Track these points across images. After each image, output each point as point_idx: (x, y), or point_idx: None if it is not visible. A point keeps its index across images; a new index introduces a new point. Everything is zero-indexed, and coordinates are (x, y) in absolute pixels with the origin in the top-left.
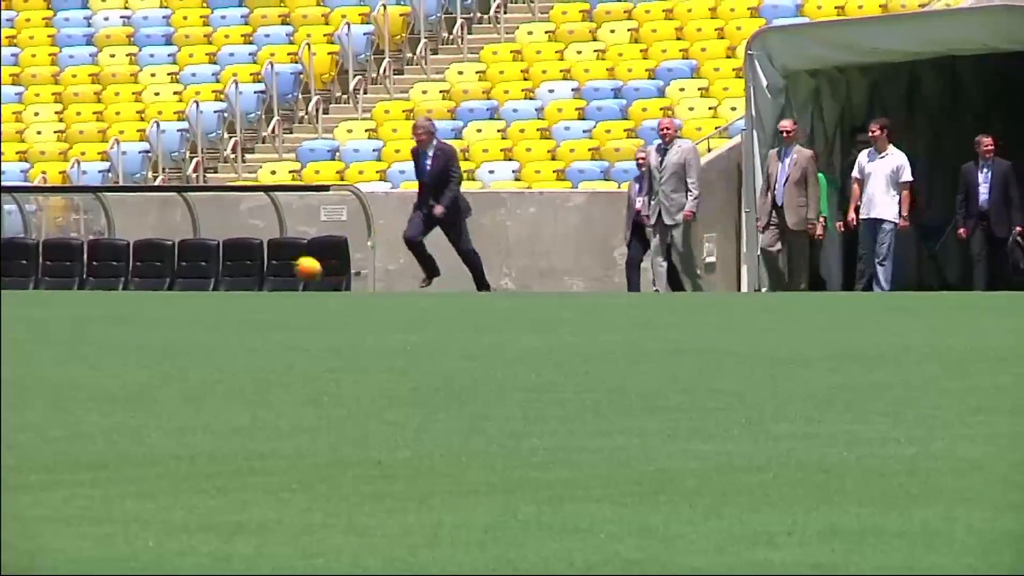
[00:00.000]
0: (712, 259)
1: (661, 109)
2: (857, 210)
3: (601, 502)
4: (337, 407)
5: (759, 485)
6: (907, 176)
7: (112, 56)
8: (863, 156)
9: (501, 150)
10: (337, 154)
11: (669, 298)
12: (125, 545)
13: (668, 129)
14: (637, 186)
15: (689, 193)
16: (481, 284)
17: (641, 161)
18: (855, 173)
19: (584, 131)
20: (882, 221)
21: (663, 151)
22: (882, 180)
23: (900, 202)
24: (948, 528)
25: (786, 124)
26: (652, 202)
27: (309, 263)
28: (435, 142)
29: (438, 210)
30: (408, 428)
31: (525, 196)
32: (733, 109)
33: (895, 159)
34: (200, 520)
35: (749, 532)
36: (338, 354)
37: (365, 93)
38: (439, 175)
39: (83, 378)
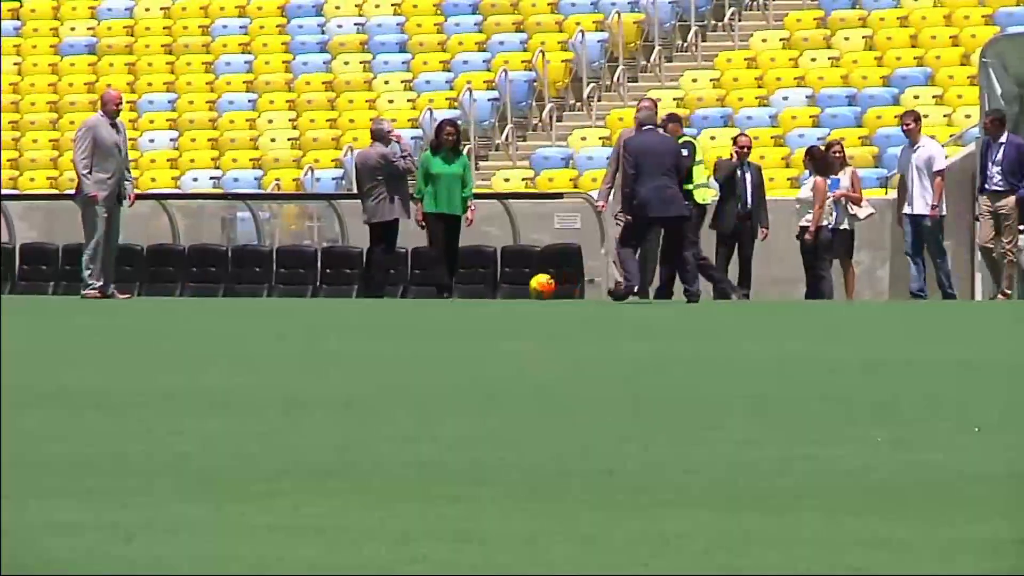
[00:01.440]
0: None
1: (895, 117)
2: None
3: (825, 511)
4: (564, 416)
5: (987, 494)
6: (940, 165)
7: (346, 63)
8: (902, 151)
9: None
10: (571, 162)
11: (901, 307)
12: (352, 554)
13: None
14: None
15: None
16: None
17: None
18: (898, 168)
19: (819, 139)
20: (923, 217)
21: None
22: (916, 173)
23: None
24: None
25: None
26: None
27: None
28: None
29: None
30: (634, 437)
31: None
32: (967, 117)
33: (928, 150)
34: (428, 528)
35: (976, 541)
36: (567, 363)
37: (599, 100)
38: None
39: (312, 387)
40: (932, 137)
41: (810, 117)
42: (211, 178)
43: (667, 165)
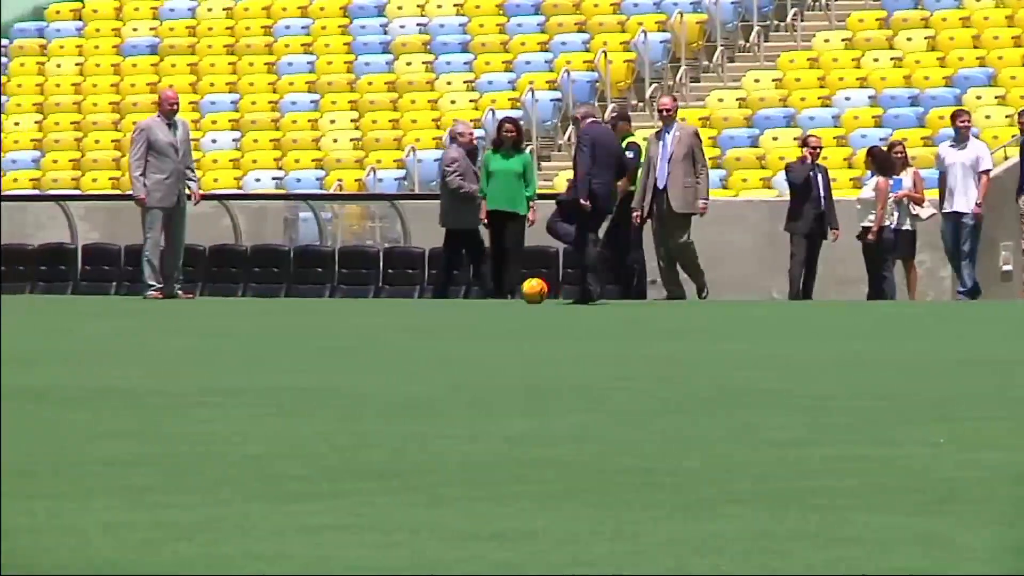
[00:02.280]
0: (1008, 267)
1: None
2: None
3: (880, 511)
4: (608, 415)
5: None
6: (986, 165)
7: (408, 64)
8: (942, 148)
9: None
10: None
11: (957, 307)
12: (410, 553)
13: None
14: None
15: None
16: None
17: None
18: (937, 166)
19: (881, 139)
20: (962, 215)
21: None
22: (960, 171)
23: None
24: None
25: (665, 102)
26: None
27: None
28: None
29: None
30: (678, 436)
31: None
32: None
33: (975, 149)
34: (481, 527)
35: None
36: (611, 362)
37: None
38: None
39: (372, 387)
40: (995, 137)
41: (872, 117)
42: (273, 178)
43: (613, 162)
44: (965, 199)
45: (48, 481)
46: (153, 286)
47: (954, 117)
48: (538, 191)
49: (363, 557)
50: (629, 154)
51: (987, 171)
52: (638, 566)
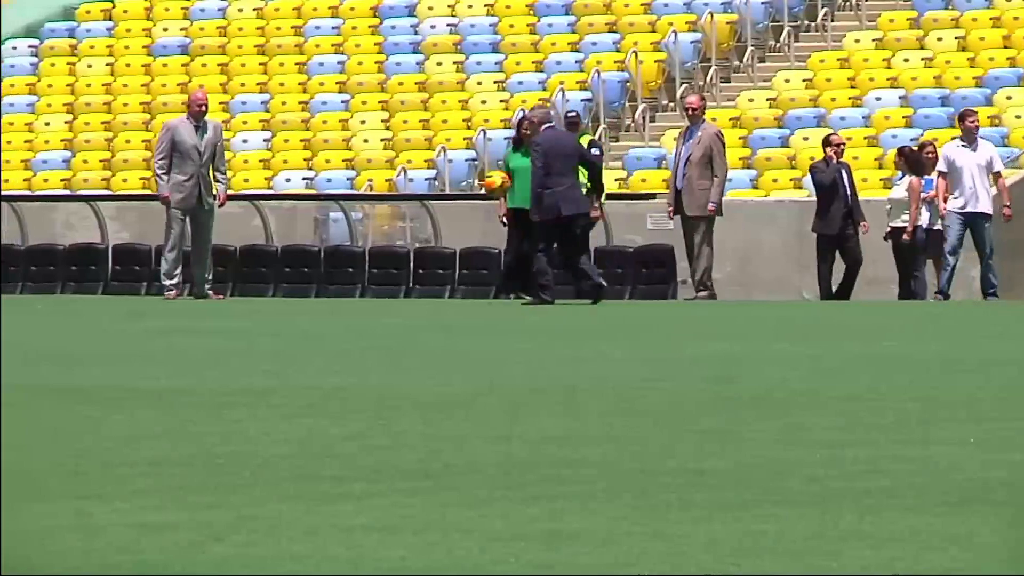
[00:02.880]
0: None
1: (988, 118)
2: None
3: (916, 512)
4: (648, 416)
5: None
6: (999, 166)
7: (439, 64)
8: (950, 148)
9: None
10: (664, 162)
11: (986, 307)
12: (446, 554)
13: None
14: None
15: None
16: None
17: None
18: (940, 166)
19: (912, 139)
20: (987, 217)
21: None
22: (977, 171)
23: (999, 192)
24: None
25: (692, 101)
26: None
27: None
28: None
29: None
30: (723, 437)
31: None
32: None
33: (987, 149)
34: (517, 529)
35: None
36: (654, 362)
37: None
38: None
39: (406, 387)
40: None
41: (903, 118)
42: (304, 179)
43: (573, 164)
44: (986, 200)
45: (85, 481)
46: (168, 286)
47: (963, 117)
48: None
49: (398, 558)
50: (595, 151)
51: (999, 172)
52: (678, 567)
